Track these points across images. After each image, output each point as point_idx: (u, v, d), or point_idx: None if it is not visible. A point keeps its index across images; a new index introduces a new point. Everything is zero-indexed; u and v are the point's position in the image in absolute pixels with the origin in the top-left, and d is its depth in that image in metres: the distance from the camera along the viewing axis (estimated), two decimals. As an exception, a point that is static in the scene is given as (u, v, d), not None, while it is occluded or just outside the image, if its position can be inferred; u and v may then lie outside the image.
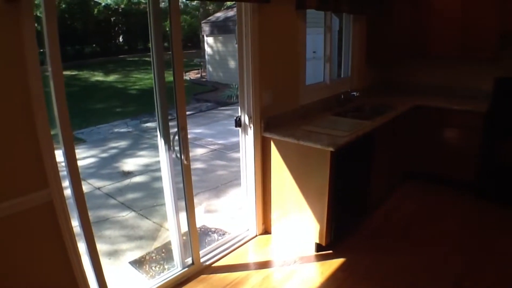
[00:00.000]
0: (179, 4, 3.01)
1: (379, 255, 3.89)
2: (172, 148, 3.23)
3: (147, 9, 2.93)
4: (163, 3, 3.01)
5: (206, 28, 17.71)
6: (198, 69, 19.89)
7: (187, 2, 20.56)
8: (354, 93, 5.14)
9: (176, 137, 3.23)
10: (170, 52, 3.07)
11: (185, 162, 3.30)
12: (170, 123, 3.22)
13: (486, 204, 4.90)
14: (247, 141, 3.93)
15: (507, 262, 3.74)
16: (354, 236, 4.23)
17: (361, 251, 3.96)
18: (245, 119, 3.84)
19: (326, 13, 4.84)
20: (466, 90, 5.69)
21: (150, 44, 3.01)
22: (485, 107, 4.95)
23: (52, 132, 2.38)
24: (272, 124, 3.95)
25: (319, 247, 3.91)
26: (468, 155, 5.07)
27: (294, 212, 3.94)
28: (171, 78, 3.13)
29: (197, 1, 21.42)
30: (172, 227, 3.47)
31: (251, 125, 3.82)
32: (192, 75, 19.77)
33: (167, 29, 3.01)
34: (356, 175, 4.10)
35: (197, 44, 22.00)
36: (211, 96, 14.98)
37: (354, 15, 5.26)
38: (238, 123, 3.87)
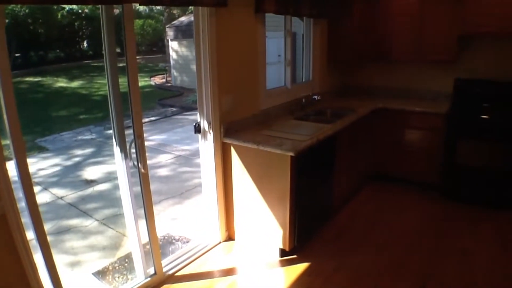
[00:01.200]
0: (133, 9, 2.94)
1: (343, 257, 3.91)
2: (129, 156, 3.16)
3: (100, 16, 2.86)
4: (117, 10, 2.94)
5: (170, 32, 17.57)
6: (163, 74, 19.74)
7: (145, 7, 20.39)
8: (316, 96, 5.16)
9: (133, 145, 3.16)
10: (124, 58, 3.01)
11: (142, 170, 3.24)
12: (127, 131, 3.15)
13: (449, 204, 5.01)
14: (207, 147, 3.89)
15: (470, 261, 3.81)
16: (318, 240, 4.24)
17: (325, 255, 3.97)
18: (204, 125, 3.79)
19: (286, 17, 4.84)
20: (427, 92, 5.83)
21: (103, 51, 2.94)
22: (445, 108, 5.07)
23: (4, 142, 2.29)
24: (232, 129, 3.93)
25: (283, 252, 3.90)
26: (430, 155, 5.20)
27: (257, 218, 3.91)
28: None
29: (159, 6, 21.24)
30: (132, 237, 3.40)
31: (211, 131, 3.79)
32: (157, 80, 19.62)
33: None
34: (318, 179, 4.10)
35: (163, 48, 21.86)
36: (176, 101, 14.88)
37: (315, 19, 5.27)
38: (197, 129, 3.83)
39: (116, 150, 3.16)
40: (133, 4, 2.86)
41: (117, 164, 3.21)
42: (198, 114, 3.83)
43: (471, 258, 3.87)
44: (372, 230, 4.43)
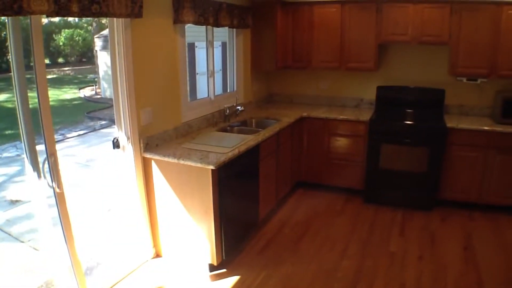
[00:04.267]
0: (42, 21, 2.86)
1: (273, 268, 3.98)
2: (42, 175, 3.05)
3: (7, 27, 2.75)
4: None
5: (99, 42, 17.12)
6: (93, 86, 19.22)
7: (49, 19, 19.76)
8: (239, 107, 5.21)
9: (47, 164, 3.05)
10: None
11: (57, 190, 3.13)
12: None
13: (375, 208, 5.27)
14: (127, 163, 3.81)
15: (397, 264, 4.00)
16: (247, 252, 4.29)
17: (255, 267, 4.02)
18: (123, 140, 3.72)
19: (207, 28, 4.86)
20: (351, 100, 6.17)
21: (11, 64, 2.83)
22: (368, 115, 5.39)
23: None
24: (153, 143, 3.91)
25: (212, 267, 3.91)
26: (355, 161, 5.47)
27: (183, 234, 3.90)
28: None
29: (63, 17, 20.65)
30: (54, 261, 3.28)
31: (130, 146, 3.72)
32: (86, 92, 19.06)
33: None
34: (243, 190, 4.16)
35: (92, 59, 21.30)
36: (106, 113, 14.52)
37: (238, 29, 5.34)
38: (116, 144, 3.75)
39: (29, 169, 3.04)
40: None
41: (31, 183, 3.09)
42: (116, 129, 3.75)
43: (400, 260, 4.08)
44: (302, 239, 4.54)
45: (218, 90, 5.55)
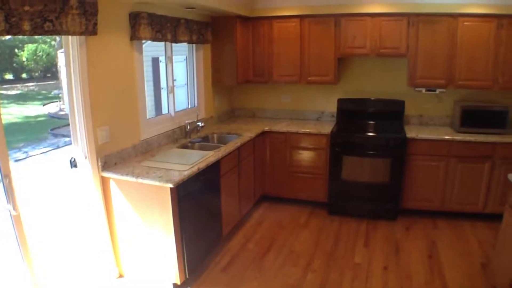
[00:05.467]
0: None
1: (237, 285, 3.99)
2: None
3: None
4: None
5: (62, 58, 16.81)
6: (57, 102, 18.83)
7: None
8: (200, 123, 5.20)
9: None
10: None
11: (13, 212, 3.07)
12: None
13: (339, 220, 5.35)
14: (85, 183, 3.76)
15: (362, 276, 4.06)
16: (211, 269, 4.28)
17: (219, 284, 4.02)
18: (80, 159, 3.67)
19: (166, 44, 4.86)
20: (313, 113, 6.29)
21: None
22: (329, 128, 5.50)
23: None
24: (111, 162, 3.89)
25: (176, 286, 3.88)
26: (318, 174, 5.56)
27: (145, 253, 3.88)
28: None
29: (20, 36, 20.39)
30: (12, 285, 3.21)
31: (88, 165, 3.68)
32: (50, 108, 18.66)
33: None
34: (204, 207, 4.16)
35: (56, 74, 20.91)
36: (70, 130, 14.22)
37: (197, 45, 5.37)
38: (73, 164, 3.69)
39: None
40: None
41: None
42: (73, 148, 3.70)
43: (365, 271, 4.14)
44: (266, 254, 4.56)
45: (184, 105, 5.58)
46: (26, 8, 2.80)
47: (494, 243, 4.04)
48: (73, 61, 3.53)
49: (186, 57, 5.56)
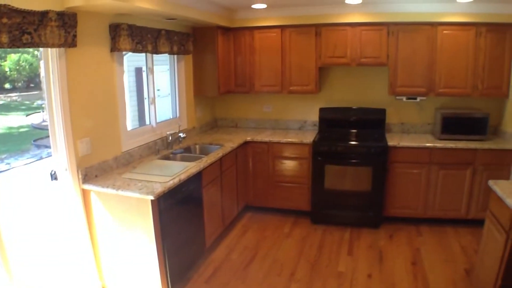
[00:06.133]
0: None
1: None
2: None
3: None
4: None
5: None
6: (40, 112, 18.66)
7: None
8: (182, 134, 5.21)
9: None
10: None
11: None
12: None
13: (323, 229, 5.38)
14: (66, 196, 3.74)
15: (345, 284, 4.09)
16: (194, 280, 4.27)
17: (201, 296, 4.00)
18: (60, 171, 3.66)
19: (147, 55, 4.88)
20: (295, 122, 6.34)
21: None
22: (312, 137, 5.57)
23: None
24: (92, 174, 3.88)
25: (159, 298, 3.84)
26: (301, 183, 5.60)
27: (128, 265, 3.87)
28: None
29: None
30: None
31: (69, 178, 3.66)
32: (34, 118, 18.48)
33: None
34: (187, 218, 4.17)
35: (40, 85, 20.78)
36: (54, 141, 14.10)
37: (178, 55, 5.38)
38: (53, 176, 3.67)
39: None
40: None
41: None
42: (53, 160, 3.68)
43: (349, 279, 4.17)
44: (250, 264, 4.56)
45: (169, 115, 5.59)
46: (4, 20, 2.80)
47: (477, 248, 4.09)
48: (52, 73, 3.53)
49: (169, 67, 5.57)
